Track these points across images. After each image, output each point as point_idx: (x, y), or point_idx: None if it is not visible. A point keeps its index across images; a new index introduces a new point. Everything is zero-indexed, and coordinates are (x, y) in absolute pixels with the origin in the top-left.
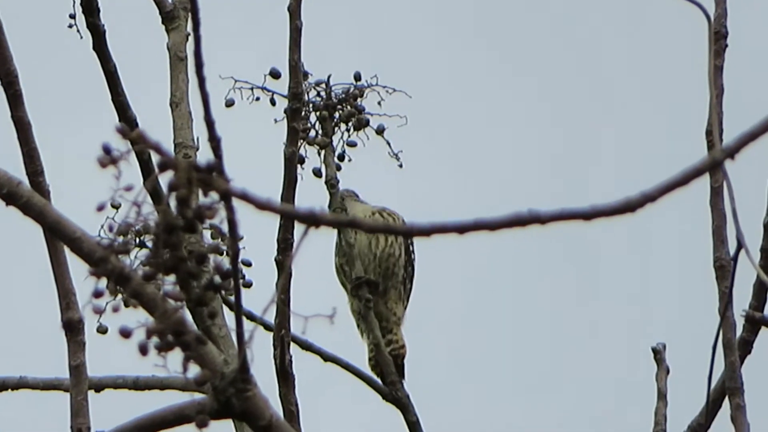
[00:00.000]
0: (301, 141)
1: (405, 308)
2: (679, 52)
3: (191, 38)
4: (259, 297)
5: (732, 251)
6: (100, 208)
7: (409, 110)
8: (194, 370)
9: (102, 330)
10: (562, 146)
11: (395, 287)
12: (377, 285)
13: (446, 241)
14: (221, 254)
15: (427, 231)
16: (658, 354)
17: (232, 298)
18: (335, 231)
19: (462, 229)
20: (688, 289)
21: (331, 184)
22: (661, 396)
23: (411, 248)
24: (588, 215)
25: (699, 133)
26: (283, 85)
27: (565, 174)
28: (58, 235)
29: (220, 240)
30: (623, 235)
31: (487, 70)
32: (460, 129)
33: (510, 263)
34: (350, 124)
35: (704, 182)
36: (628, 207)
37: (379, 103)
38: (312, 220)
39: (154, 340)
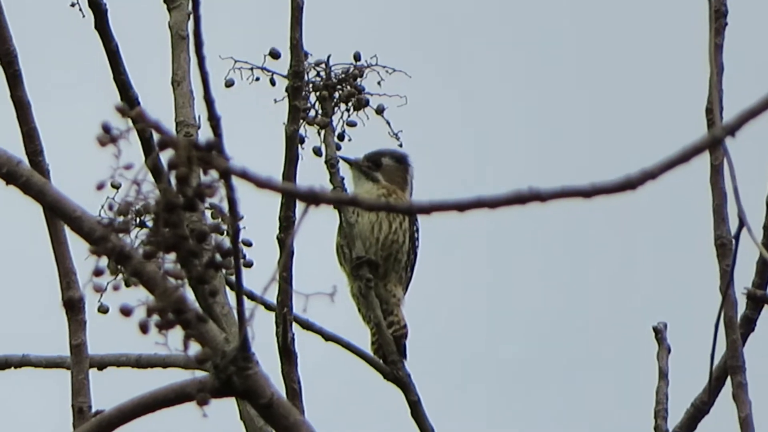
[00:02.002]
0: (301, 121)
1: (405, 291)
2: (679, 30)
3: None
4: (260, 277)
5: (733, 229)
6: (100, 186)
7: (409, 90)
8: (195, 348)
9: (103, 310)
10: (562, 124)
11: (396, 271)
12: (377, 265)
13: (447, 219)
14: (222, 233)
15: (427, 209)
16: (659, 333)
17: (233, 277)
18: (337, 211)
19: (462, 206)
20: (690, 268)
21: (331, 164)
22: (663, 375)
23: (416, 235)
24: (588, 193)
25: (699, 111)
26: (282, 66)
27: (566, 152)
28: (58, 214)
29: (220, 219)
30: (623, 213)
31: (486, 48)
32: (459, 109)
33: (510, 242)
34: (350, 104)
35: (705, 160)
36: (629, 184)
37: (378, 83)
38: (312, 198)
39: (155, 318)
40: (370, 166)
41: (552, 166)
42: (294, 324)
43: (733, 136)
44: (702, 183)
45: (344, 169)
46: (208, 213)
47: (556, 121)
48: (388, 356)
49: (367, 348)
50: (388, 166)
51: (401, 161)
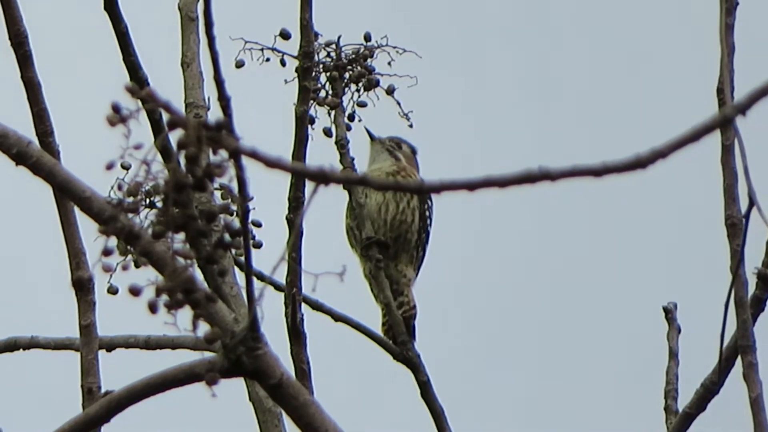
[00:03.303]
0: (311, 101)
1: (416, 272)
2: (691, 10)
3: None
4: (269, 258)
5: (744, 209)
6: (110, 166)
7: (419, 70)
8: (204, 328)
9: (112, 291)
10: (573, 104)
11: (407, 251)
12: (387, 245)
13: (456, 198)
14: (231, 214)
15: (437, 188)
16: (669, 313)
17: (243, 258)
18: (347, 191)
19: (472, 186)
20: (700, 248)
21: (341, 145)
22: (673, 355)
23: (427, 213)
24: (599, 172)
25: (710, 91)
26: (292, 46)
27: (576, 131)
28: (68, 194)
29: (229, 200)
30: (633, 193)
31: (496, 29)
32: (470, 89)
33: (520, 222)
34: (360, 84)
35: (715, 140)
36: (639, 163)
37: (389, 64)
38: (322, 177)
39: (164, 297)
40: (393, 146)
41: (562, 146)
42: (303, 304)
43: (744, 115)
44: (712, 162)
45: (363, 144)
46: (217, 194)
47: (566, 100)
48: (398, 337)
49: (377, 328)
50: (406, 152)
51: (414, 153)
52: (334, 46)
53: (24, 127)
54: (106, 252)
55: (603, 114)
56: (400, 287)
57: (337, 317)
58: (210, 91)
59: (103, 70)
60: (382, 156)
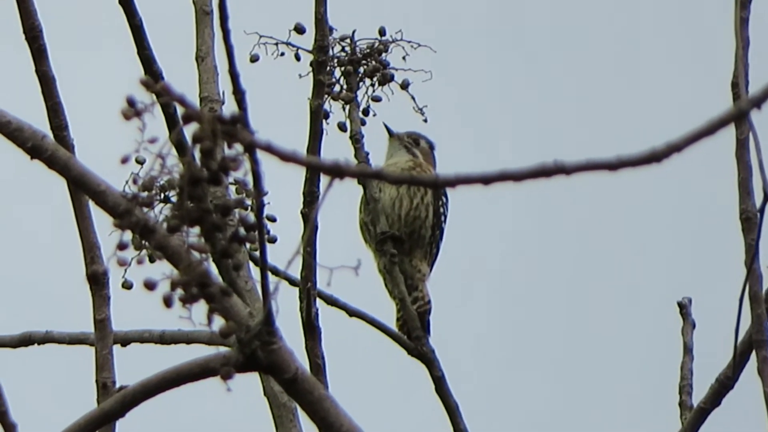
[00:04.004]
0: (326, 96)
1: (430, 267)
2: (705, 3)
3: None
4: (284, 253)
5: (758, 203)
6: (125, 160)
7: (434, 65)
8: (219, 322)
9: (127, 286)
10: (587, 97)
11: (421, 247)
12: (402, 240)
13: (472, 192)
14: (246, 209)
15: (453, 182)
16: (683, 308)
17: (257, 253)
18: (361, 186)
19: (487, 180)
20: (714, 242)
21: (356, 139)
22: (687, 350)
23: (442, 210)
24: (613, 166)
25: (725, 85)
26: (307, 41)
27: (591, 125)
28: (83, 188)
29: (244, 194)
30: (648, 187)
31: (511, 24)
32: (484, 83)
33: (535, 217)
34: (375, 79)
35: (730, 133)
36: (654, 157)
37: (403, 58)
38: (337, 171)
39: (179, 292)
40: (411, 142)
41: (577, 140)
42: (318, 299)
43: (759, 109)
44: (727, 156)
45: (378, 139)
46: (232, 189)
47: (581, 94)
48: (413, 332)
49: (392, 323)
50: (424, 148)
51: (432, 149)
52: (348, 40)
53: (39, 121)
54: (121, 246)
55: (619, 108)
56: (414, 282)
57: (352, 312)
58: (224, 85)
59: (118, 64)
60: (400, 152)
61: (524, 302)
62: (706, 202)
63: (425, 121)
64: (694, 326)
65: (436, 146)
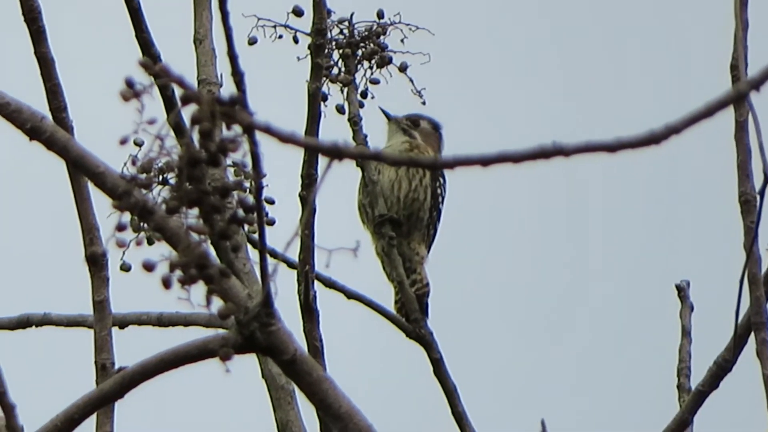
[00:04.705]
0: (324, 78)
1: (429, 249)
2: None
3: None
4: (282, 235)
5: (758, 185)
6: (123, 141)
7: (432, 48)
8: (218, 303)
9: (125, 268)
10: (587, 80)
11: (419, 229)
12: (400, 223)
13: (470, 174)
14: (244, 191)
15: (451, 164)
16: (682, 291)
17: (256, 235)
18: (360, 168)
19: (486, 161)
20: (713, 225)
21: (354, 122)
22: (685, 333)
23: (439, 191)
24: (612, 147)
25: (724, 67)
26: (305, 23)
27: (590, 107)
28: (82, 169)
29: (243, 177)
30: (646, 169)
31: (511, 5)
32: (482, 65)
33: (532, 198)
34: (373, 61)
35: (729, 115)
36: (653, 139)
37: (402, 41)
38: (336, 152)
39: (178, 273)
40: (409, 124)
41: (576, 122)
42: (316, 282)
43: (758, 91)
44: (726, 139)
45: (376, 122)
46: (230, 171)
47: (580, 76)
48: (411, 314)
49: (390, 306)
50: (425, 129)
51: (437, 128)
52: (347, 23)
53: (37, 103)
54: (120, 227)
55: (618, 89)
56: (413, 265)
57: (350, 295)
58: (222, 68)
59: (116, 46)
60: (397, 135)
61: (522, 284)
62: (705, 184)
63: (423, 103)
64: (692, 309)
65: (442, 126)
